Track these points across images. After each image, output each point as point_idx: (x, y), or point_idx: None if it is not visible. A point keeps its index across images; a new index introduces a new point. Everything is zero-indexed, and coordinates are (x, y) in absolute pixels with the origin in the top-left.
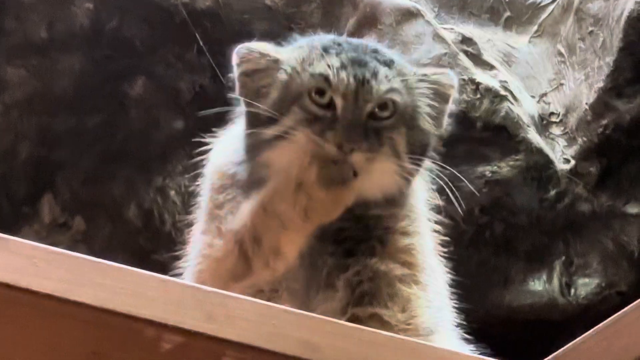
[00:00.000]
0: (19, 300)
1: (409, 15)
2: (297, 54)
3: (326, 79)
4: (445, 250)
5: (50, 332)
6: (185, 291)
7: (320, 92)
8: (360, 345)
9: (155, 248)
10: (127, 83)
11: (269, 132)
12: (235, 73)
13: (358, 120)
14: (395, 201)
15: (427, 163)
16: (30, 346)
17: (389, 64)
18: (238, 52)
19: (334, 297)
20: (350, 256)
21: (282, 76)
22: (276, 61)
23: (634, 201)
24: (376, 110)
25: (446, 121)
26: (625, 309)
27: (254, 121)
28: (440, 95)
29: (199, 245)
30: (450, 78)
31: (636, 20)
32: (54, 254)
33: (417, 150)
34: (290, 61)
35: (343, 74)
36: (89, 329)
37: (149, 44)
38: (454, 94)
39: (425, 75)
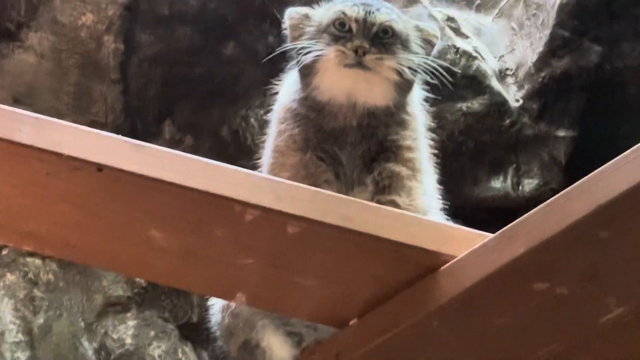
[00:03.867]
0: (151, 187)
1: (412, 1)
2: (325, 7)
3: (344, 12)
4: (436, 159)
5: (173, 207)
6: (262, 181)
7: (341, 25)
8: (380, 218)
9: (240, 156)
10: (222, 45)
11: (310, 56)
12: (287, 29)
13: (368, 36)
14: (403, 123)
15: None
16: (165, 220)
17: (390, 7)
18: (287, 14)
19: (365, 190)
20: (373, 162)
21: (314, 23)
22: (307, 16)
23: (562, 127)
24: (380, 33)
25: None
26: (556, 196)
27: (299, 54)
28: (427, 40)
29: (268, 153)
30: (435, 30)
31: (565, 6)
32: (177, 156)
33: (412, 66)
34: (320, 13)
35: (356, 8)
36: (197, 205)
37: (237, 18)
38: (438, 42)
39: (417, 25)
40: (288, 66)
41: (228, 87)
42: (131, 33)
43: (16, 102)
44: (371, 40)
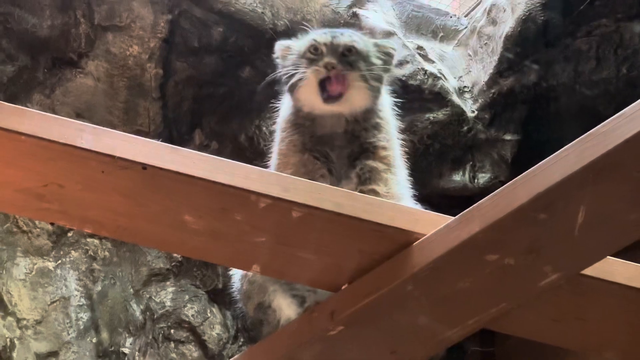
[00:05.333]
0: (185, 181)
1: (389, 34)
2: (303, 38)
3: (315, 39)
4: (409, 158)
5: (201, 197)
6: (271, 176)
7: (314, 49)
8: (365, 205)
9: (255, 157)
10: (240, 70)
11: (295, 78)
12: (277, 58)
13: (335, 55)
14: (378, 126)
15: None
16: (196, 207)
17: (352, 32)
18: (276, 47)
19: (351, 182)
20: (355, 160)
21: (294, 52)
22: (289, 47)
23: (508, 132)
24: (345, 52)
25: (394, 70)
26: (503, 186)
27: (287, 77)
28: (386, 53)
29: (275, 156)
30: (391, 44)
31: (510, 37)
32: (205, 157)
33: (375, 75)
34: (299, 43)
35: (324, 35)
36: (221, 195)
37: (252, 49)
38: (396, 55)
39: (375, 42)
40: (280, 88)
41: (245, 103)
42: (168, 61)
43: (78, 116)
44: (338, 58)
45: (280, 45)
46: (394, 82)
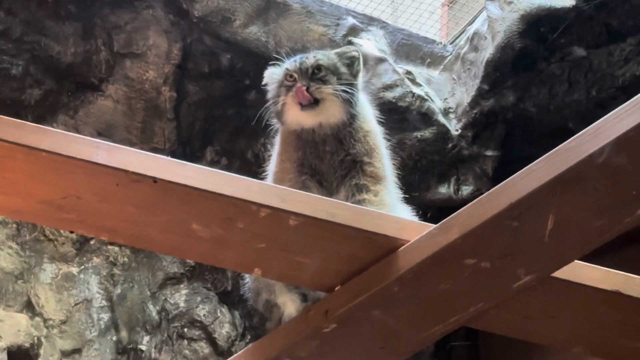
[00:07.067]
0: (192, 193)
1: (381, 60)
2: (280, 67)
3: (287, 68)
4: (400, 172)
5: (208, 208)
6: (271, 188)
7: (289, 76)
8: (356, 214)
9: (260, 172)
10: (246, 93)
11: (278, 105)
12: (266, 85)
13: (307, 76)
14: (367, 143)
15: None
16: (202, 216)
17: (317, 52)
18: (264, 75)
19: (339, 196)
20: (345, 177)
21: (275, 80)
22: (272, 76)
23: (489, 149)
24: (315, 71)
25: (362, 74)
26: (480, 197)
27: (272, 104)
28: (346, 58)
29: (273, 169)
30: (352, 49)
31: (490, 62)
32: (210, 171)
33: (345, 83)
34: (278, 71)
35: (294, 62)
36: (225, 206)
37: (256, 74)
38: (358, 56)
39: (337, 52)
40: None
41: (251, 123)
42: (181, 85)
43: (99, 135)
44: (309, 79)
45: (266, 75)
46: (375, 95)
